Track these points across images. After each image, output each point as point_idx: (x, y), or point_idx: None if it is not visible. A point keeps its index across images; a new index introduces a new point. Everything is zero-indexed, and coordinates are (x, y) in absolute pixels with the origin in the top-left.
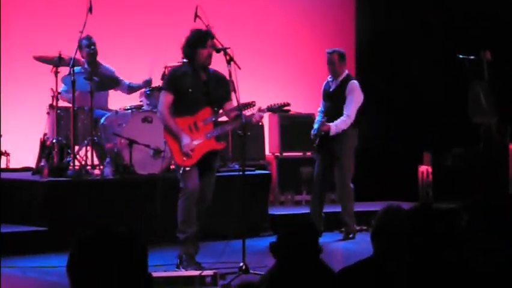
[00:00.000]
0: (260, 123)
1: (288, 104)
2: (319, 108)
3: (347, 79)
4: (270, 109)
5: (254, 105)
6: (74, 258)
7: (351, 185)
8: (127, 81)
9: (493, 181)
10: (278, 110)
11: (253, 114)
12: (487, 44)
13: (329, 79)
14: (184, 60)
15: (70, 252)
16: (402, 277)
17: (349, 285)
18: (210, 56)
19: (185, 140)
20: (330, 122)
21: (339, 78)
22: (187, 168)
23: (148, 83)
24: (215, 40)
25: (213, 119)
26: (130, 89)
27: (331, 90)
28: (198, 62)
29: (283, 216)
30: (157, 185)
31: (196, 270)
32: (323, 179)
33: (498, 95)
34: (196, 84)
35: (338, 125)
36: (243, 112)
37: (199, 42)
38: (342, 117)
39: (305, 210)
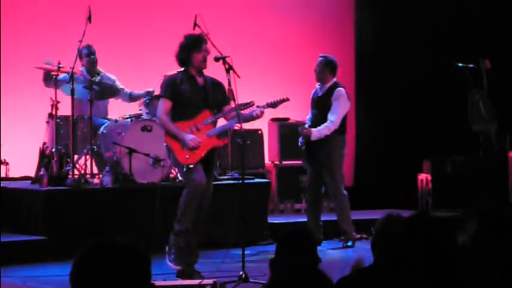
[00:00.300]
0: (259, 132)
1: (287, 99)
2: (307, 116)
3: (334, 86)
4: (270, 105)
5: (253, 105)
6: (77, 268)
7: (345, 192)
8: (128, 90)
9: (493, 189)
10: (277, 105)
11: (253, 110)
12: (486, 52)
13: (317, 86)
14: (180, 69)
15: (73, 262)
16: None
17: None
18: (205, 60)
19: (189, 136)
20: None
21: (326, 85)
22: (191, 166)
23: (149, 93)
24: (209, 46)
25: (213, 119)
26: (132, 98)
27: (318, 96)
28: (193, 66)
29: (283, 224)
30: (157, 193)
31: (185, 267)
32: (314, 187)
33: (497, 103)
34: (194, 88)
35: (320, 130)
36: (242, 112)
37: (193, 46)
38: (326, 123)
39: (305, 218)
